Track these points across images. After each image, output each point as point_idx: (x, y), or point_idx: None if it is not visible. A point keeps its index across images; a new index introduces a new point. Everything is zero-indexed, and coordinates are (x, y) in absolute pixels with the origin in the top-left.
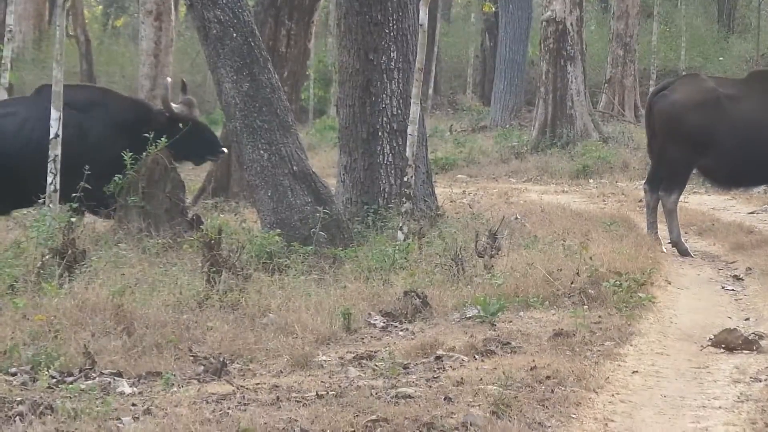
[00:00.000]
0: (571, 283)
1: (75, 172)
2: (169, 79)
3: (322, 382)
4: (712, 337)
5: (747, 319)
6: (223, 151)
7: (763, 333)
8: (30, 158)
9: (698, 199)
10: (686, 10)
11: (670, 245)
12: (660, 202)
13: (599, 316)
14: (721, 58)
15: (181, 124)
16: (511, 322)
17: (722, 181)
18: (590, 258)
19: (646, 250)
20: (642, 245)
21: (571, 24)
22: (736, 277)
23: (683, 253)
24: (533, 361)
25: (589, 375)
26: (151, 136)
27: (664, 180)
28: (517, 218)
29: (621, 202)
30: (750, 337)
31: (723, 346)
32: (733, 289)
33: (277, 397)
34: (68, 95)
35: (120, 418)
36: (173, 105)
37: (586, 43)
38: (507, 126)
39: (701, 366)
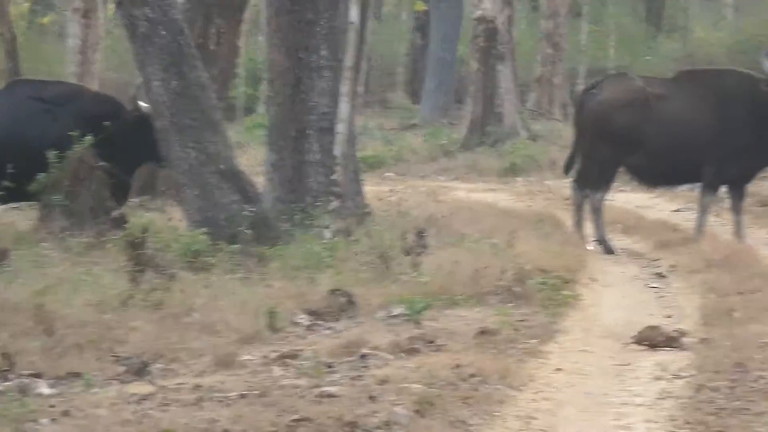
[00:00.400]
0: (498, 281)
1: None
2: (140, 80)
3: (245, 381)
4: (636, 334)
5: (670, 316)
6: None
7: (686, 330)
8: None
9: (624, 197)
10: (615, 9)
11: (596, 243)
12: (586, 200)
13: (524, 314)
14: (649, 57)
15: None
16: (436, 320)
17: (649, 180)
18: (517, 256)
19: (572, 248)
20: (568, 243)
21: (502, 23)
22: (660, 275)
23: (608, 251)
24: (458, 359)
25: (513, 373)
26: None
27: (591, 178)
28: (444, 216)
29: (548, 200)
30: (672, 335)
31: (646, 343)
32: (656, 287)
33: (200, 397)
34: (43, 90)
35: (37, 420)
36: (143, 105)
37: (516, 41)
38: (437, 124)
39: (624, 363)
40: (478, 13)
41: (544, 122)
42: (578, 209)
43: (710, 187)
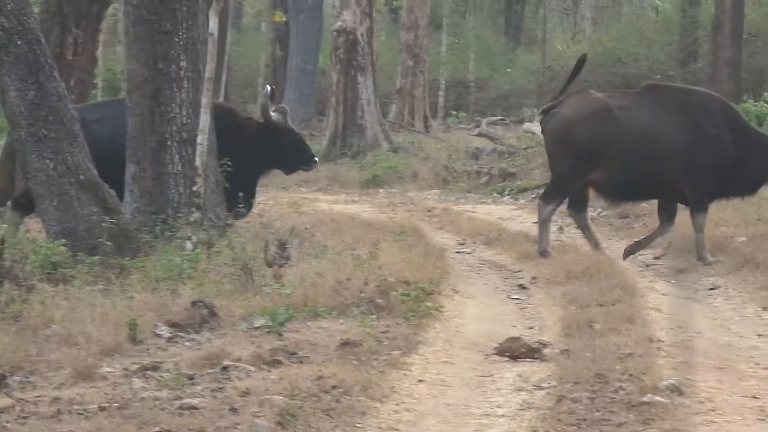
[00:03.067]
0: (360, 292)
1: None
2: (268, 87)
3: (105, 394)
4: (497, 345)
5: (531, 327)
6: (316, 161)
7: (547, 341)
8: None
9: (486, 209)
10: (474, 21)
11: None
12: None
13: (387, 326)
14: (509, 70)
15: (274, 133)
16: (299, 331)
17: (614, 195)
18: (379, 268)
19: (435, 260)
20: (430, 255)
21: (362, 34)
22: (522, 286)
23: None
24: (320, 370)
25: (375, 384)
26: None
27: (546, 189)
28: (307, 228)
29: (410, 212)
30: (534, 346)
31: (507, 354)
32: (518, 298)
33: (58, 410)
34: None
35: None
36: (271, 113)
37: (376, 53)
38: None
39: (486, 374)
40: (339, 24)
41: (405, 134)
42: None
43: (700, 206)
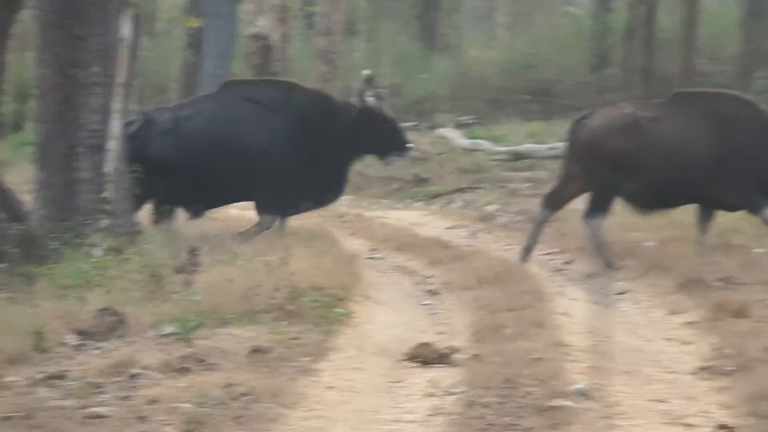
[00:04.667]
0: (271, 299)
1: (255, 172)
2: (365, 72)
3: (9, 403)
4: (408, 351)
5: (442, 333)
6: (410, 149)
7: (457, 347)
8: (218, 157)
9: (398, 215)
10: (389, 27)
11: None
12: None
13: (297, 332)
14: (424, 75)
15: (370, 119)
16: (208, 339)
17: (646, 206)
18: (290, 274)
19: (346, 266)
20: (342, 261)
21: (276, 40)
22: (433, 292)
23: (610, 266)
24: (229, 378)
25: (285, 391)
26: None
27: (589, 204)
28: (217, 234)
29: (322, 218)
30: (444, 351)
31: (418, 360)
32: (429, 304)
33: None
34: (253, 91)
35: None
36: (368, 99)
37: (291, 59)
38: None
39: (396, 380)
40: (253, 30)
41: None
42: (537, 226)
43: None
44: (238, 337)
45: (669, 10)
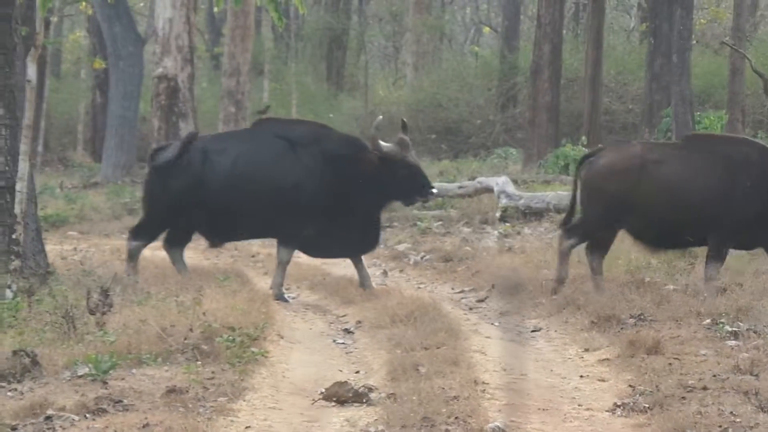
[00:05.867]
0: (185, 339)
1: (282, 207)
2: (380, 117)
3: None
4: (324, 390)
5: (357, 371)
6: (433, 193)
7: (373, 385)
8: (242, 192)
9: None
10: (296, 68)
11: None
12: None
13: (213, 372)
14: (331, 115)
15: (389, 165)
16: (123, 379)
17: (652, 243)
18: (204, 314)
19: (259, 305)
20: (255, 300)
21: (182, 81)
22: (347, 331)
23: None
24: (146, 418)
25: (202, 431)
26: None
27: (573, 226)
28: (130, 275)
29: (234, 258)
30: (360, 390)
31: (334, 399)
32: (344, 343)
33: None
34: (285, 129)
35: None
36: (383, 144)
37: (197, 99)
38: (119, 182)
39: (313, 420)
40: (159, 71)
41: None
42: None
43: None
44: (154, 377)
45: (574, 49)
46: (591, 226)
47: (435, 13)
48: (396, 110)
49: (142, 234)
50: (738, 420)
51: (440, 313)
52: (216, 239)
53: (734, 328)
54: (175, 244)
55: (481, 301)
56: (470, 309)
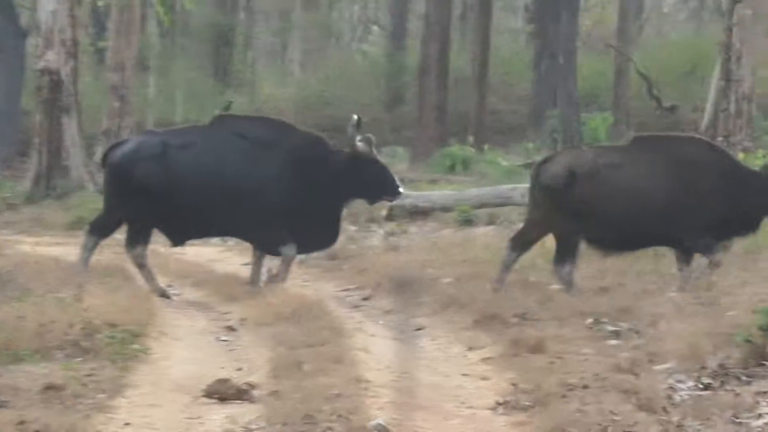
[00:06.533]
0: (65, 335)
1: (241, 208)
2: (355, 117)
3: None
4: (205, 387)
5: (240, 369)
6: (400, 192)
7: (256, 383)
8: (202, 189)
9: (195, 251)
10: (182, 63)
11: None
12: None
13: (92, 369)
14: (218, 111)
15: (359, 163)
16: (0, 376)
17: (609, 249)
18: (84, 310)
19: (142, 302)
20: (138, 296)
21: (66, 75)
22: (230, 328)
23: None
24: (22, 415)
25: (80, 429)
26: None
27: (557, 252)
28: (9, 270)
29: (117, 254)
30: (242, 387)
31: (216, 396)
32: (227, 340)
33: None
34: (248, 128)
35: None
36: (357, 143)
37: (81, 94)
38: None
39: (194, 417)
40: (42, 64)
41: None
42: (507, 270)
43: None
44: (31, 374)
45: (462, 49)
46: (570, 240)
47: (323, 10)
48: (283, 107)
49: (98, 230)
50: (617, 418)
51: (324, 311)
52: (176, 238)
53: (616, 328)
54: (137, 244)
55: (366, 299)
56: (355, 307)
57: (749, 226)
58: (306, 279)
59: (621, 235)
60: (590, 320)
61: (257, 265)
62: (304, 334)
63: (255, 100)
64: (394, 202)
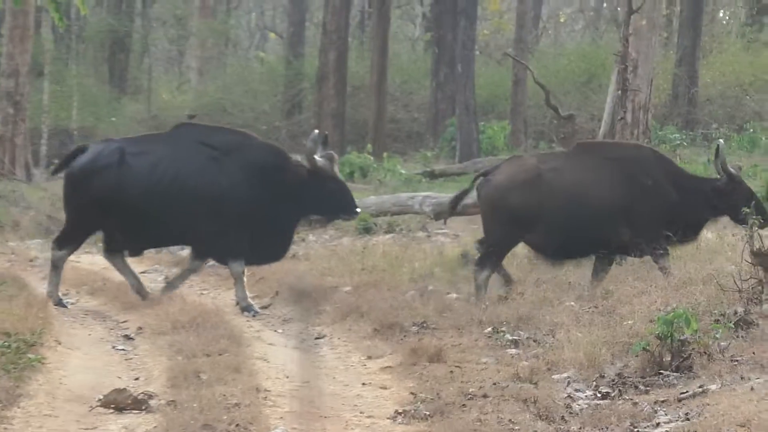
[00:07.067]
0: None
1: (200, 216)
2: (316, 131)
3: None
4: (102, 397)
5: (137, 378)
6: (357, 212)
7: (153, 392)
8: (163, 198)
9: (90, 259)
10: (78, 70)
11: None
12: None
13: None
14: (114, 119)
15: (319, 180)
16: None
17: (553, 256)
18: None
19: (37, 311)
20: (33, 305)
21: None
22: (127, 337)
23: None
24: None
25: None
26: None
27: (481, 256)
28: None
29: (11, 262)
30: (139, 397)
31: (113, 406)
32: (124, 349)
33: None
34: (207, 136)
35: None
36: (317, 159)
37: None
38: None
39: (90, 427)
40: None
41: (6, 182)
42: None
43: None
44: None
45: (360, 57)
46: (501, 247)
47: (220, 17)
48: (180, 114)
49: (65, 243)
50: (517, 427)
51: (223, 320)
52: (134, 246)
53: (515, 337)
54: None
55: (264, 308)
56: (254, 316)
57: (692, 231)
58: (204, 288)
59: (566, 241)
60: (489, 329)
61: (182, 276)
62: (202, 343)
63: (151, 107)
64: (349, 221)
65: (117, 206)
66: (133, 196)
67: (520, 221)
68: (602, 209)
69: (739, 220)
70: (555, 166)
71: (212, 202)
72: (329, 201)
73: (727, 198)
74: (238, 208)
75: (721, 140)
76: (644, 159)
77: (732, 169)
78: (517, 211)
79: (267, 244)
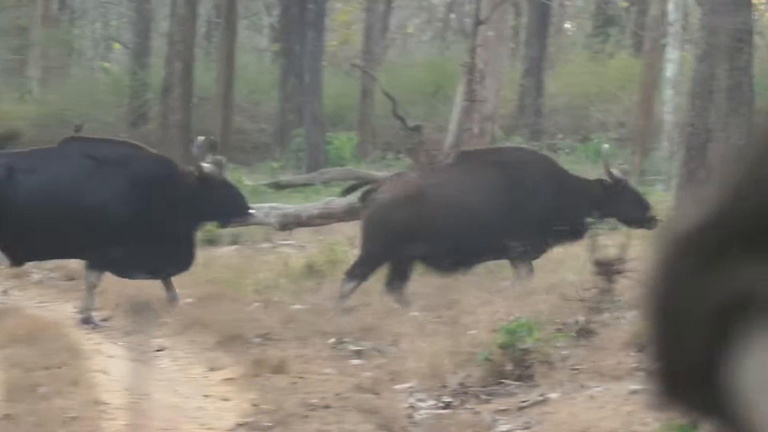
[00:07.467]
0: None
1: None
2: (201, 138)
3: None
4: None
5: None
6: (251, 214)
7: None
8: (45, 211)
9: None
10: None
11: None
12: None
13: None
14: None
15: (208, 185)
16: None
17: (438, 267)
18: None
19: None
20: None
21: None
22: None
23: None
24: None
25: None
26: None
27: (353, 266)
28: None
29: None
30: None
31: None
32: None
33: None
34: (98, 149)
35: None
36: (204, 165)
37: None
38: None
39: None
40: None
41: None
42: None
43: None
44: None
45: (207, 68)
46: (374, 260)
47: (63, 27)
48: (21, 125)
49: None
50: None
51: (62, 333)
52: (17, 258)
53: (358, 347)
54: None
55: (105, 320)
56: (94, 328)
57: (575, 234)
58: (44, 300)
59: (454, 251)
60: (333, 340)
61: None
62: (40, 356)
63: None
64: (246, 224)
65: (2, 219)
66: (19, 209)
67: (402, 238)
68: (487, 215)
69: (626, 221)
70: (436, 180)
71: (97, 215)
72: (221, 206)
73: (612, 199)
74: (123, 219)
75: (606, 145)
76: (525, 161)
77: (616, 171)
78: (400, 229)
79: (169, 254)
